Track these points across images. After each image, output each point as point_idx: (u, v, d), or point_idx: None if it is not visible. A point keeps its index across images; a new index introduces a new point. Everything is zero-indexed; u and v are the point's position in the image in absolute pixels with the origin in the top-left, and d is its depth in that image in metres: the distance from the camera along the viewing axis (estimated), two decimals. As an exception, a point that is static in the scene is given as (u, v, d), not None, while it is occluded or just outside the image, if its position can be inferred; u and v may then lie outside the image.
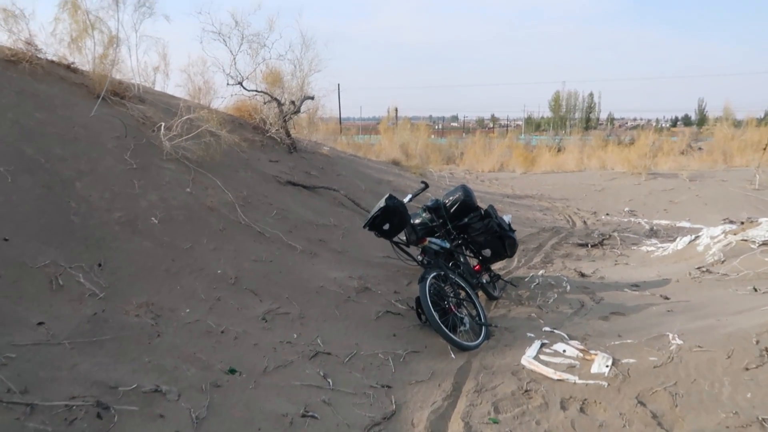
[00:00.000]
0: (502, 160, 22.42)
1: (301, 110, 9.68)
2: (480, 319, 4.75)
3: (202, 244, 5.09)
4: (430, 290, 4.59)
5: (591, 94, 77.96)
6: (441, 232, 5.63)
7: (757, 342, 3.93)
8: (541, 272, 6.87)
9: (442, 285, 4.77)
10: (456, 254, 5.62)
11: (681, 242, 8.11)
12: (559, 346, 4.30)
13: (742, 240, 6.95)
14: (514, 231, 5.94)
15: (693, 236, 8.15)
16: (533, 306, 5.54)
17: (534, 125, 74.81)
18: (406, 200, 4.89)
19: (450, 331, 4.48)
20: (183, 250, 4.87)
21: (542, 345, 4.38)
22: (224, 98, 9.48)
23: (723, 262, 6.62)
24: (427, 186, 5.14)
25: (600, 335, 4.58)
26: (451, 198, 5.77)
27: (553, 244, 8.84)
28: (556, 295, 5.85)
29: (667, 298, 5.67)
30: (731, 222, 11.85)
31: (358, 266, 5.92)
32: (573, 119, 76.13)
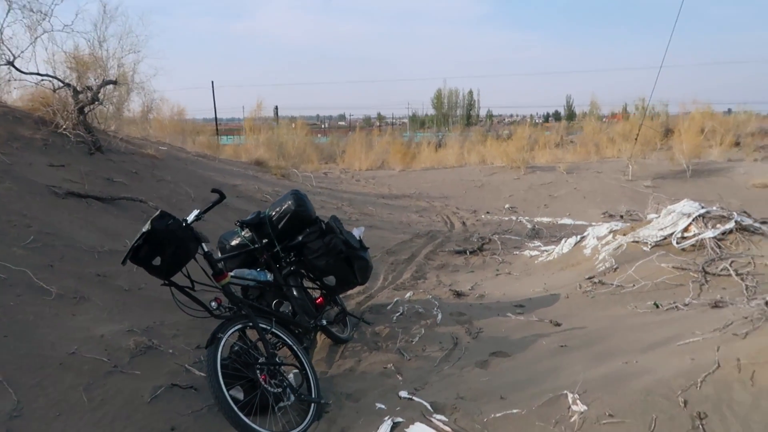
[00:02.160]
0: (383, 158, 21.34)
1: (132, 102, 7.78)
2: (308, 390, 3.25)
3: None
4: (226, 356, 3.04)
5: (470, 92, 79.76)
6: (264, 258, 4.08)
7: (685, 403, 2.77)
8: (408, 295, 5.52)
9: (249, 345, 3.21)
10: (286, 288, 4.09)
11: (566, 245, 7.17)
12: (417, 429, 2.91)
13: (633, 242, 6.06)
14: (366, 249, 4.51)
15: (578, 237, 7.24)
16: (392, 351, 4.14)
17: (419, 122, 75.50)
18: (190, 219, 3.27)
19: (257, 415, 2.95)
20: None
21: (394, 426, 2.96)
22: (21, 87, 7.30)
23: (615, 269, 5.65)
24: (222, 197, 3.54)
25: (476, 398, 3.24)
26: (278, 209, 4.22)
27: (428, 252, 7.60)
28: (423, 330, 4.50)
29: (558, 324, 4.52)
30: (611, 216, 11.42)
31: (151, 310, 4.21)
32: (455, 116, 77.72)
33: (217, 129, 37.20)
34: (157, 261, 3.05)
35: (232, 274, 3.55)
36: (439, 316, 4.80)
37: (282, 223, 4.17)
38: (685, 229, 5.89)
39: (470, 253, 7.69)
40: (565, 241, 7.26)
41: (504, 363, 3.84)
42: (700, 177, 14.43)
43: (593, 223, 10.10)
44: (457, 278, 6.59)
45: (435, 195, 13.34)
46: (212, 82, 47.39)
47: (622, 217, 10.79)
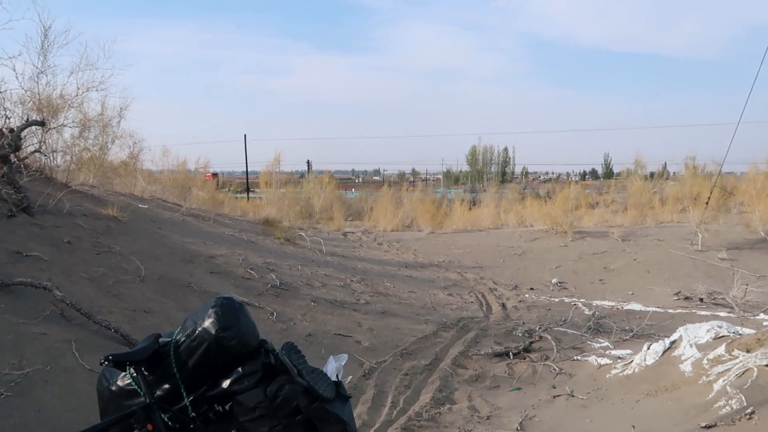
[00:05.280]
0: (411, 216, 19.65)
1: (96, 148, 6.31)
2: None
3: None
4: None
5: (506, 149, 78.76)
6: (150, 428, 2.27)
7: None
8: (423, 448, 3.59)
9: None
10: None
11: (650, 352, 5.16)
12: None
13: (767, 365, 4.03)
14: (347, 399, 2.66)
15: (667, 342, 5.23)
16: None
17: (453, 179, 74.81)
18: None
19: None
20: None
21: None
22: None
23: (750, 414, 3.63)
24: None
25: None
26: (189, 333, 2.43)
27: (457, 354, 5.66)
28: None
29: None
30: (687, 298, 9.23)
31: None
32: (490, 173, 76.83)
33: (247, 183, 36.37)
34: None
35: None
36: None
37: (194, 357, 2.37)
38: None
39: (514, 355, 5.73)
40: (648, 347, 5.25)
41: None
42: (784, 247, 12.18)
43: (669, 310, 8.04)
44: (498, 401, 4.64)
45: (468, 264, 11.41)
46: (245, 135, 46.91)
47: (702, 300, 8.67)
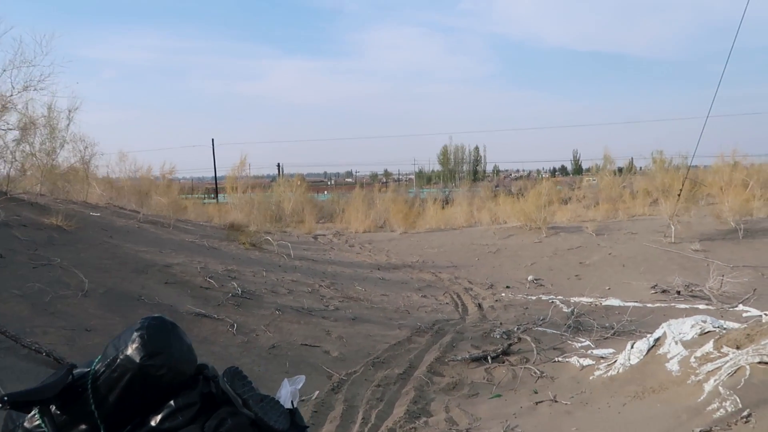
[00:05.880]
0: (384, 217, 19.32)
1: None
2: None
3: None
4: None
5: (477, 148, 78.99)
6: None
7: None
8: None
9: None
10: None
11: (634, 351, 4.93)
12: None
13: (760, 363, 3.80)
14: (305, 428, 2.28)
15: (650, 339, 4.99)
16: None
17: (425, 178, 74.82)
18: None
19: None
20: None
21: None
22: None
23: (747, 417, 3.38)
24: None
25: None
26: (110, 361, 2.03)
27: (433, 361, 5.34)
28: None
29: None
30: (664, 291, 9.07)
31: None
32: (461, 172, 76.99)
33: (216, 187, 35.65)
34: None
35: None
36: None
37: (116, 391, 1.96)
38: None
39: (492, 359, 5.44)
40: (632, 346, 5.01)
41: None
42: (755, 238, 12.19)
43: (648, 305, 7.86)
44: (478, 411, 4.34)
45: (442, 263, 11.13)
46: (212, 140, 46.02)
47: (679, 293, 8.53)
